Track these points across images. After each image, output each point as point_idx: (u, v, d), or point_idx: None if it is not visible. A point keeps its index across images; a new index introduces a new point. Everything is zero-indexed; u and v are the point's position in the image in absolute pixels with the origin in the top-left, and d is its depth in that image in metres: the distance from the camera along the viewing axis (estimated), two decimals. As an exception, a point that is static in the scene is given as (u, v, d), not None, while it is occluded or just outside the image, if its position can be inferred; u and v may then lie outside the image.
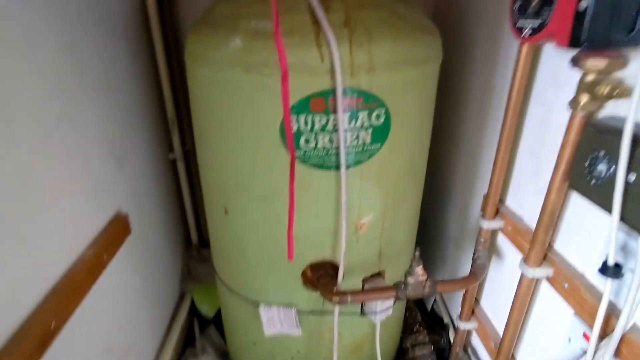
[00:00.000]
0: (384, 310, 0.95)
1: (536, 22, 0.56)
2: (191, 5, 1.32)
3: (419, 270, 0.81)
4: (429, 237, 1.40)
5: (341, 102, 0.70)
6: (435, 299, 1.40)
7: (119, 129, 1.00)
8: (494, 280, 1.03)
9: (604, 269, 0.56)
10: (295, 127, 0.74)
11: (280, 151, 0.76)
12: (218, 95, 0.78)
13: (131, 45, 1.12)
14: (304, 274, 0.89)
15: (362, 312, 0.97)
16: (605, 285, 0.57)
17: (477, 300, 1.10)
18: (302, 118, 0.73)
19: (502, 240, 0.95)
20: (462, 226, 1.18)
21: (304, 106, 0.72)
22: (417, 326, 1.31)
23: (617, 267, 0.56)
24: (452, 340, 1.22)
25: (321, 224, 0.83)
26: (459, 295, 1.14)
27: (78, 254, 0.77)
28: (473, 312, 1.09)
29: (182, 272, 1.48)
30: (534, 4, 0.55)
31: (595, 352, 0.63)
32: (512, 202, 0.92)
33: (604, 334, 0.61)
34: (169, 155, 1.41)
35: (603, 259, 0.58)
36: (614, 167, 0.54)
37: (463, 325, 1.08)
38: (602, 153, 0.57)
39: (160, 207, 1.32)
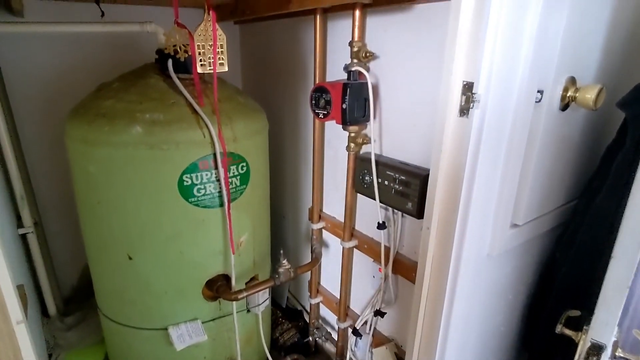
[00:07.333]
0: (264, 302, 1.33)
1: (323, 112, 1.09)
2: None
3: (285, 262, 1.24)
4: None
5: (220, 161, 1.08)
6: (287, 297, 1.83)
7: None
8: (325, 264, 1.54)
9: (379, 226, 1.11)
10: (189, 182, 1.06)
11: (179, 201, 1.06)
12: (121, 168, 1.03)
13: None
14: (203, 290, 1.18)
15: (248, 310, 1.32)
16: (381, 235, 1.13)
17: (318, 283, 1.59)
18: (194, 175, 1.06)
19: (326, 234, 1.47)
20: (296, 231, 1.67)
21: (195, 167, 1.06)
22: (280, 319, 1.71)
23: (383, 224, 1.12)
24: (307, 319, 1.67)
25: (213, 248, 1.16)
26: (305, 286, 1.61)
27: None
28: (318, 290, 1.57)
29: (48, 345, 1.45)
30: (321, 104, 1.08)
31: (385, 275, 1.18)
32: (326, 209, 1.46)
33: (387, 262, 1.17)
34: (19, 230, 1.41)
35: (376, 224, 1.14)
36: (371, 177, 1.10)
37: (313, 301, 1.55)
38: (365, 171, 1.13)
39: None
